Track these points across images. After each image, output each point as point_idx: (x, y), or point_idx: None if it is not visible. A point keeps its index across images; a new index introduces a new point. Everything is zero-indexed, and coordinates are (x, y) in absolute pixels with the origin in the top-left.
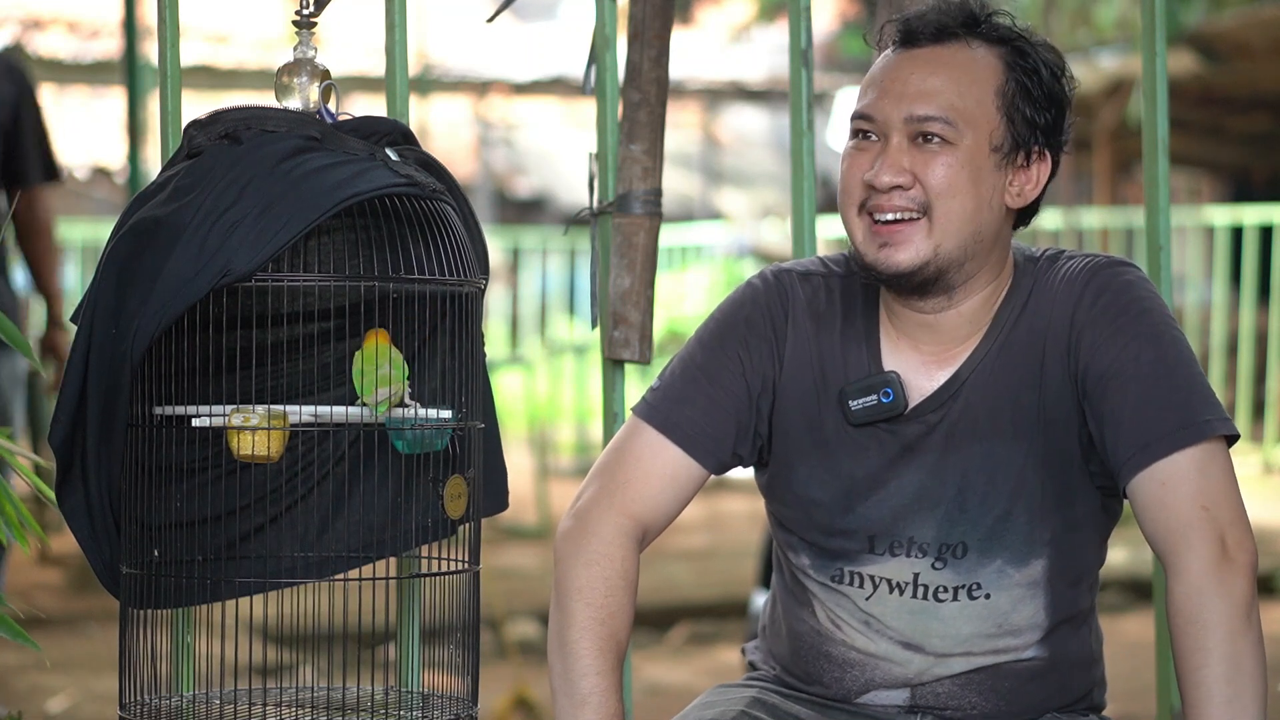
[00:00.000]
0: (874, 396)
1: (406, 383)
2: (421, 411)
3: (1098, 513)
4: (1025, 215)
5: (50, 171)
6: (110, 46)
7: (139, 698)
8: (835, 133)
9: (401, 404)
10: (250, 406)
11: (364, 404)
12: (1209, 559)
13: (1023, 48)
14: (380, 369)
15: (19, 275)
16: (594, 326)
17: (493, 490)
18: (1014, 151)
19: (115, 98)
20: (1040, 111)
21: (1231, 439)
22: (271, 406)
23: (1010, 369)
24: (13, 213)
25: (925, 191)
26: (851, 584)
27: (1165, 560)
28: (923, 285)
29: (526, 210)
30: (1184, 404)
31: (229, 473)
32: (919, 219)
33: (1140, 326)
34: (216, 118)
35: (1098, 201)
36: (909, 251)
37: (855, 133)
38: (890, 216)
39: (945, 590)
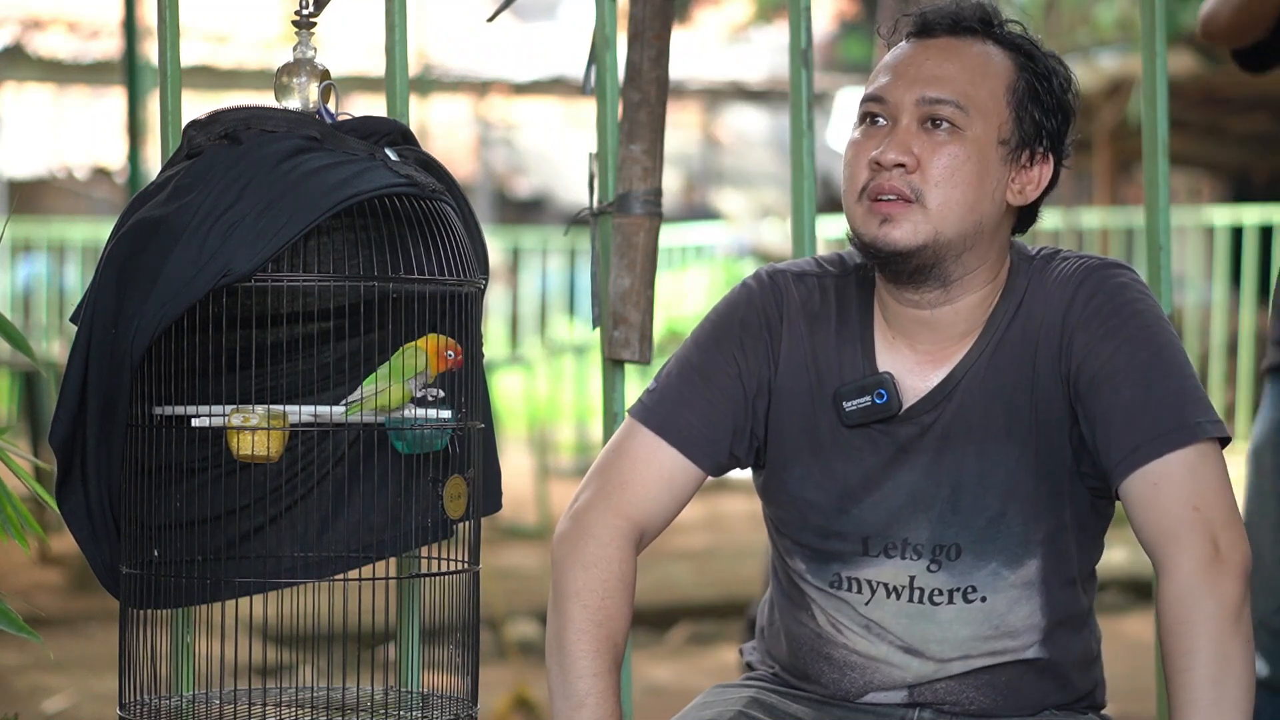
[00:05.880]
0: (868, 398)
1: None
2: (421, 411)
3: (1089, 513)
4: (1024, 221)
5: None
6: (110, 46)
7: (139, 698)
8: (835, 133)
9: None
10: (250, 406)
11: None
12: (1200, 559)
13: (1033, 54)
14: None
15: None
16: (594, 327)
17: (487, 490)
18: (1020, 148)
19: (115, 98)
20: (1048, 116)
21: (1223, 442)
22: (271, 406)
23: (1003, 370)
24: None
25: (924, 178)
26: (849, 589)
27: (1156, 561)
28: (919, 271)
29: (526, 210)
30: (1176, 406)
31: (229, 473)
32: (913, 203)
33: (1132, 328)
34: (216, 118)
35: (1098, 201)
36: (905, 229)
37: (864, 117)
38: (889, 196)
39: (941, 593)
